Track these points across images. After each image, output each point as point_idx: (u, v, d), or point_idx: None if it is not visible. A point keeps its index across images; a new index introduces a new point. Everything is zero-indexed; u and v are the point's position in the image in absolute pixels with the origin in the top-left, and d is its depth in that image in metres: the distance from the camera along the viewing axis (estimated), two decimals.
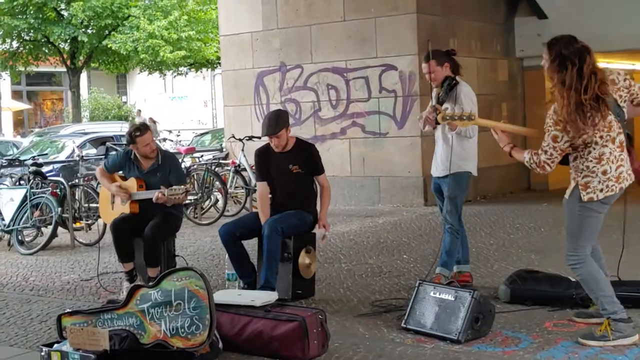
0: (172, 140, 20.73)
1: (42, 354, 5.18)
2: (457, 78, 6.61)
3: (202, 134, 20.80)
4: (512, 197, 13.34)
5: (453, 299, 5.39)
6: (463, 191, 6.68)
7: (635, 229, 8.93)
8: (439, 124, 6.39)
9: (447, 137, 6.56)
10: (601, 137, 4.97)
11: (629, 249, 7.87)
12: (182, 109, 37.55)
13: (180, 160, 12.26)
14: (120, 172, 7.20)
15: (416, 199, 12.38)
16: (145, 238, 6.78)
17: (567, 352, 4.97)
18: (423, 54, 11.92)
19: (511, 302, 6.13)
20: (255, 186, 11.45)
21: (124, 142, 13.47)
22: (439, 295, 5.49)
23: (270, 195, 6.75)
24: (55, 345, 5.22)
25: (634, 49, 13.96)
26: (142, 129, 7.01)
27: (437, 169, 6.73)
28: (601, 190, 5.01)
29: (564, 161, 5.17)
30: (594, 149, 4.99)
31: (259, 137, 11.92)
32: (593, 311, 5.59)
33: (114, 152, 10.14)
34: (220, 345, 5.13)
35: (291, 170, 6.64)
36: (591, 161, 5.01)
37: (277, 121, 6.58)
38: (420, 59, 12.03)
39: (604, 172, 5.00)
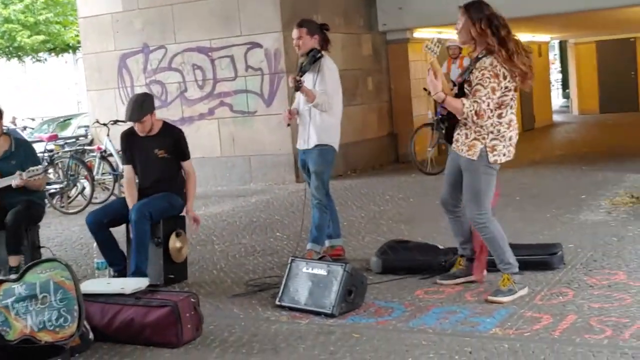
0: (32, 128, 20.01)
1: None
2: (323, 52, 6.62)
3: (42, 123, 20.18)
4: (380, 170, 13.54)
5: (325, 274, 5.42)
6: (328, 166, 6.70)
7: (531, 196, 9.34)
8: (297, 90, 6.40)
9: (306, 110, 6.57)
10: (512, 99, 5.30)
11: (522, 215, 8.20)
12: (44, 96, 36.33)
13: (44, 149, 11.91)
14: None
15: (287, 175, 12.40)
16: (7, 224, 6.49)
17: (438, 318, 5.08)
18: (287, 30, 11.98)
19: (383, 272, 6.24)
20: (123, 172, 11.33)
21: None
22: (312, 270, 5.51)
23: (137, 180, 6.61)
24: None
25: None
26: None
27: (300, 142, 6.74)
28: (504, 155, 5.35)
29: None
30: (507, 112, 5.29)
31: (124, 121, 11.65)
32: (456, 271, 5.83)
33: None
34: (91, 336, 5.00)
35: (157, 154, 6.50)
36: (503, 125, 5.31)
37: (141, 106, 6.42)
38: (285, 36, 12.09)
39: (510, 138, 5.36)
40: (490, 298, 5.33)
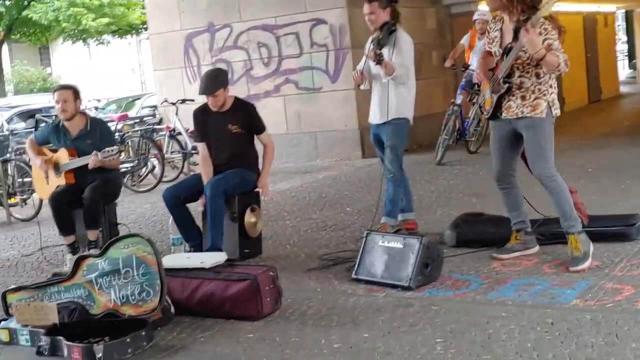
0: (102, 109, 20.32)
1: None
2: (397, 25, 6.57)
3: (107, 104, 20.48)
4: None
5: (402, 247, 5.42)
6: (403, 139, 6.69)
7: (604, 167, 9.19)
8: (380, 62, 6.37)
9: (383, 84, 6.55)
10: None
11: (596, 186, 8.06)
12: (108, 78, 36.84)
13: (114, 128, 12.10)
14: (50, 145, 7.05)
15: (354, 151, 12.40)
16: (85, 200, 6.64)
17: (516, 290, 5.04)
18: (352, 6, 11.95)
19: (457, 245, 6.21)
20: (192, 150, 11.47)
21: (54, 114, 13.18)
22: (387, 243, 5.52)
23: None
24: (2, 323, 5.12)
25: None
26: (64, 86, 7.03)
27: (375, 116, 6.72)
28: (558, 107, 5.42)
29: None
30: None
31: (192, 100, 11.78)
32: (514, 245, 5.81)
33: (44, 124, 9.90)
34: (173, 310, 5.08)
35: (230, 130, 6.56)
36: (554, 80, 5.38)
37: (214, 80, 6.49)
38: (350, 12, 12.06)
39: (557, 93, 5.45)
40: (573, 268, 5.28)
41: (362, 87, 6.78)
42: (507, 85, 5.38)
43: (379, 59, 6.32)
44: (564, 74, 5.31)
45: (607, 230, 5.91)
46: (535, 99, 5.33)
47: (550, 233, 5.90)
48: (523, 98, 5.36)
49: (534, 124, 5.36)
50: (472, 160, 11.17)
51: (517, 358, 3.93)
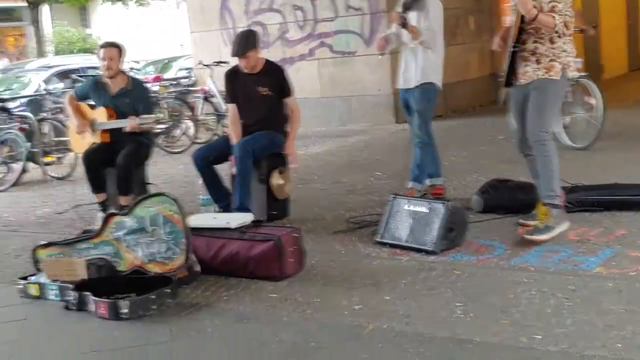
0: (138, 70, 20.43)
1: (19, 287, 5.19)
2: None
3: (145, 65, 20.55)
4: (481, 111, 13.35)
5: (427, 211, 5.43)
6: (430, 104, 6.67)
7: None
8: (405, 26, 6.35)
9: (411, 49, 6.52)
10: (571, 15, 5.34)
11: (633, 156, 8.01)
12: (147, 40, 36.94)
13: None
14: (90, 101, 7.13)
15: (387, 116, 12.37)
16: (118, 166, 6.74)
17: (540, 256, 5.04)
18: None
19: (484, 211, 6.20)
20: (225, 112, 11.52)
21: (90, 74, 13.31)
22: (413, 208, 5.53)
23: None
24: (32, 278, 5.23)
25: None
26: (111, 43, 7.05)
27: (403, 81, 6.70)
28: (573, 69, 5.42)
29: None
30: (572, 28, 5.32)
31: (227, 62, 11.79)
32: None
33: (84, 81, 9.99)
34: (198, 268, 5.15)
35: (260, 92, 6.58)
36: (569, 43, 5.36)
37: (246, 42, 6.51)
38: None
39: (573, 52, 5.43)
40: (527, 237, 5.30)
41: (385, 52, 6.76)
42: (513, 49, 5.36)
43: (403, 23, 6.30)
44: (565, 35, 5.28)
45: (635, 199, 5.87)
46: (550, 61, 5.33)
47: (577, 201, 5.89)
48: (538, 62, 5.35)
49: (543, 84, 5.35)
50: (505, 126, 11.07)
51: (536, 323, 3.94)
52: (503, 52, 5.56)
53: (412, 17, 6.40)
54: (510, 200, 6.20)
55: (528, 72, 5.39)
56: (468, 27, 13.69)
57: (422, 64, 6.50)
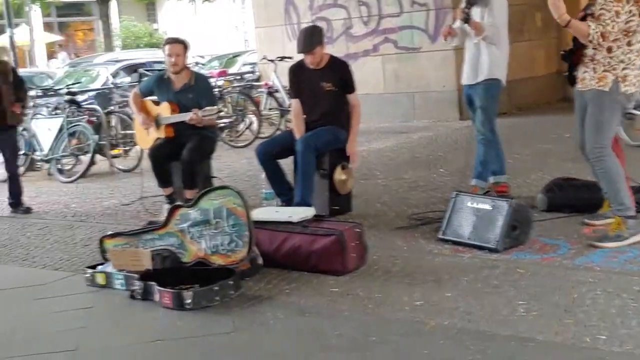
0: (204, 65, 20.63)
1: (87, 275, 5.31)
2: None
3: (210, 60, 20.72)
4: (547, 108, 13.16)
5: (490, 208, 5.39)
6: (494, 101, 6.61)
7: None
8: (467, 21, 6.32)
9: (475, 44, 6.49)
10: (638, 25, 5.07)
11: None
12: (213, 34, 37.29)
13: (213, 84, 12.30)
14: (154, 97, 7.23)
15: (451, 113, 12.28)
16: (183, 161, 6.83)
17: (605, 256, 4.97)
18: None
19: (548, 210, 6.13)
20: (289, 107, 11.58)
21: (157, 69, 13.48)
22: (476, 205, 5.50)
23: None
24: (99, 267, 5.34)
25: None
26: (177, 39, 7.10)
27: (467, 77, 6.67)
28: (634, 85, 5.15)
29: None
30: (636, 39, 5.08)
31: (291, 57, 11.86)
32: (607, 212, 5.65)
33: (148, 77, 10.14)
34: (260, 261, 5.20)
35: (324, 88, 6.60)
36: (633, 53, 5.10)
37: (311, 38, 6.52)
38: None
39: None
40: (595, 243, 5.17)
41: (449, 43, 6.73)
42: (570, 49, 5.29)
43: (465, 18, 6.26)
44: (600, 47, 5.09)
45: None
46: (603, 71, 5.17)
47: None
48: (594, 70, 5.21)
49: (595, 96, 5.21)
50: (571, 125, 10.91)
51: (600, 324, 3.90)
52: None
53: (476, 13, 6.37)
54: (575, 199, 6.12)
55: (585, 79, 5.29)
56: (534, 23, 13.50)
57: (486, 60, 6.46)
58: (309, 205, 6.14)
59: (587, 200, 6.02)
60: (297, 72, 6.74)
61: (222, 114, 7.21)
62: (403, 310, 4.34)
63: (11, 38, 18.76)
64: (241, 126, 12.28)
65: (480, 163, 6.63)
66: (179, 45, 7.00)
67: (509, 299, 4.36)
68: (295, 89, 6.78)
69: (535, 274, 4.73)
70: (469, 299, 4.42)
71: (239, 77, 14.34)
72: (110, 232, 5.66)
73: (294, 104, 6.79)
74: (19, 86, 8.17)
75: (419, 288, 4.66)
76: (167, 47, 7.03)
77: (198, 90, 6.99)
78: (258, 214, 5.44)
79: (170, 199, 7.07)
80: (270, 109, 12.44)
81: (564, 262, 4.96)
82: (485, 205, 5.45)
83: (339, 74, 6.63)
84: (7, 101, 7.93)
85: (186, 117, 6.78)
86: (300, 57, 6.69)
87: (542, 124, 11.30)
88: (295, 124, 6.68)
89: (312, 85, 6.62)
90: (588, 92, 5.26)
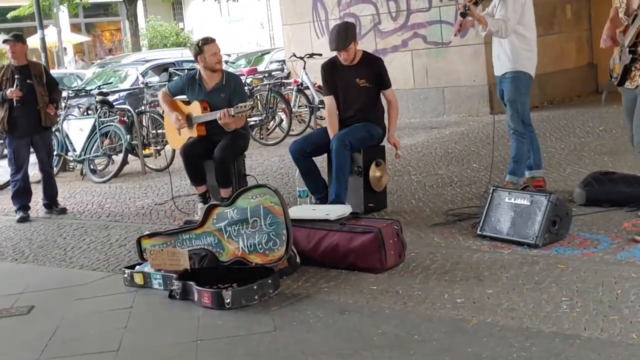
0: (232, 63, 20.67)
1: (125, 276, 5.33)
2: None
3: (237, 59, 20.76)
4: (579, 101, 13.04)
5: (529, 204, 5.34)
6: (522, 94, 6.52)
7: None
8: (464, 17, 6.27)
9: (496, 37, 6.47)
10: None
11: None
12: (239, 32, 37.35)
13: (243, 82, 12.31)
14: (184, 96, 7.22)
15: (482, 107, 12.20)
16: (216, 160, 6.82)
17: None
18: None
19: (587, 204, 6.07)
20: (319, 104, 11.57)
21: (186, 68, 13.52)
22: (514, 200, 5.45)
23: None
24: (137, 267, 5.36)
25: None
26: (209, 38, 7.05)
27: (495, 68, 6.64)
28: None
29: None
30: None
31: (320, 54, 11.85)
32: None
33: (177, 77, 10.16)
34: (298, 259, 5.20)
35: (358, 84, 6.57)
36: None
37: (346, 35, 6.49)
38: None
39: None
40: (636, 237, 5.11)
41: (456, 36, 6.69)
42: (630, 55, 5.19)
43: (464, 12, 6.21)
44: None
45: None
46: None
47: None
48: None
49: None
50: (605, 117, 10.82)
51: None
52: (611, 48, 5.42)
53: (492, 5, 6.37)
54: (614, 193, 6.04)
55: (635, 78, 5.24)
56: (565, 16, 13.37)
57: (510, 52, 6.41)
58: (343, 202, 6.12)
59: (627, 194, 5.96)
60: (330, 69, 6.71)
61: (253, 110, 7.17)
62: (445, 307, 4.31)
63: (42, 39, 18.85)
64: (272, 124, 12.28)
65: (512, 158, 6.58)
66: (216, 43, 7.00)
67: (552, 295, 4.31)
68: (329, 86, 6.74)
69: (576, 270, 4.68)
70: (510, 295, 4.38)
71: (268, 75, 14.34)
72: (147, 232, 5.67)
73: (327, 102, 6.76)
74: (53, 87, 8.21)
75: (459, 285, 4.63)
76: (210, 46, 6.94)
77: (229, 89, 6.97)
78: (295, 212, 5.43)
79: (204, 197, 7.07)
80: (299, 106, 12.43)
81: (605, 257, 4.90)
82: (523, 200, 5.40)
83: (373, 69, 6.60)
84: (42, 102, 7.98)
85: (216, 115, 6.76)
86: (331, 54, 6.66)
87: (574, 117, 11.18)
88: (329, 121, 6.65)
89: (346, 82, 6.59)
90: (637, 88, 5.22)
